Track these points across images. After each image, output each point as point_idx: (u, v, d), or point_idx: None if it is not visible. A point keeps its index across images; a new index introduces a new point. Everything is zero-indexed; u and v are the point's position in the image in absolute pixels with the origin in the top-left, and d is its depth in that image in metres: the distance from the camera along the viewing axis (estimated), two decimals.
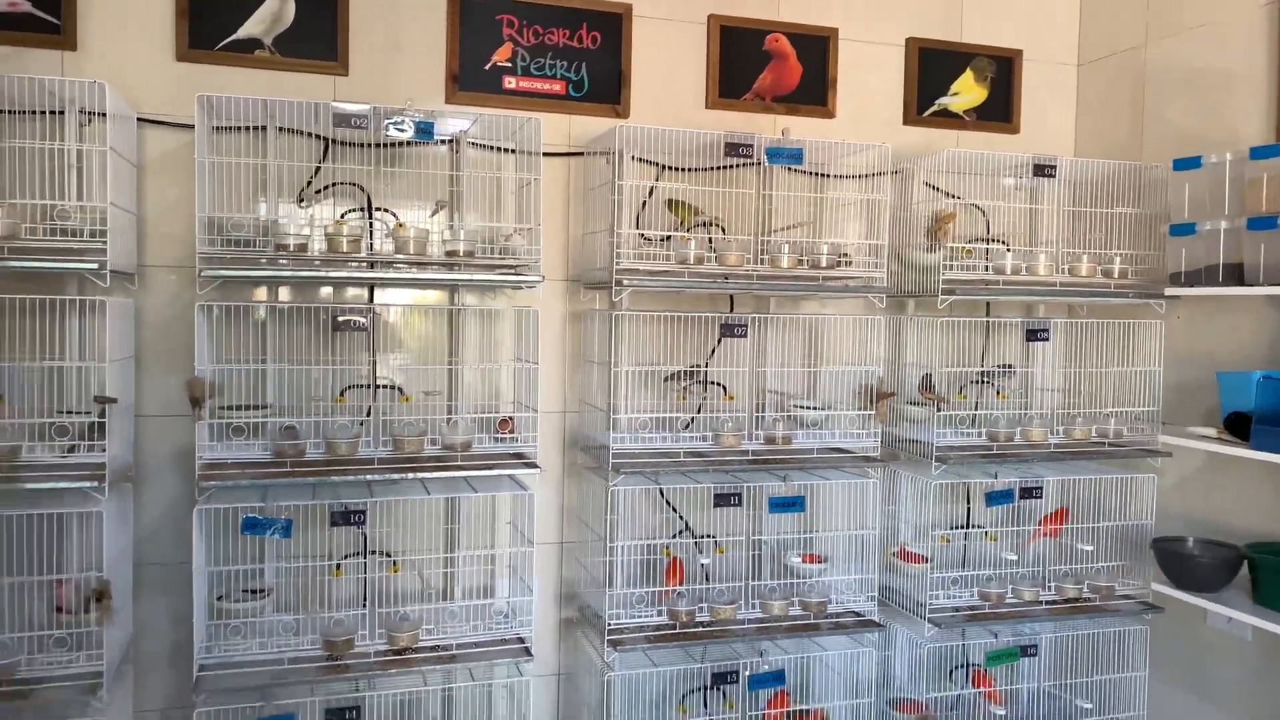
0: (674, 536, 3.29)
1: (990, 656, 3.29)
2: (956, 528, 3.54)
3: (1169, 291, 3.09)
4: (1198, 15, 3.26)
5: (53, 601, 2.64)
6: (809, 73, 3.48)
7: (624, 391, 3.06)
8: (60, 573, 2.64)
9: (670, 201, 3.20)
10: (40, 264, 2.41)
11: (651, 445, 3.03)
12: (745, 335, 3.04)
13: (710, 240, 3.20)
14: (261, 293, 2.94)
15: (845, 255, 3.12)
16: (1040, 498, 3.31)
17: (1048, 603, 3.26)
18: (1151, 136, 3.44)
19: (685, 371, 3.25)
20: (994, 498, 3.25)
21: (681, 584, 3.10)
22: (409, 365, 3.07)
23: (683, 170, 3.29)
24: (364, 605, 2.94)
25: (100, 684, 2.44)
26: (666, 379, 3.24)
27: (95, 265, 2.41)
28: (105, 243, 2.43)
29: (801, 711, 3.21)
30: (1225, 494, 3.14)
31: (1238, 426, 2.87)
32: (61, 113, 2.70)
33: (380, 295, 3.06)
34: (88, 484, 2.41)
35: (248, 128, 2.89)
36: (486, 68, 3.17)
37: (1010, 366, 3.53)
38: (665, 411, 3.16)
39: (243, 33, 2.94)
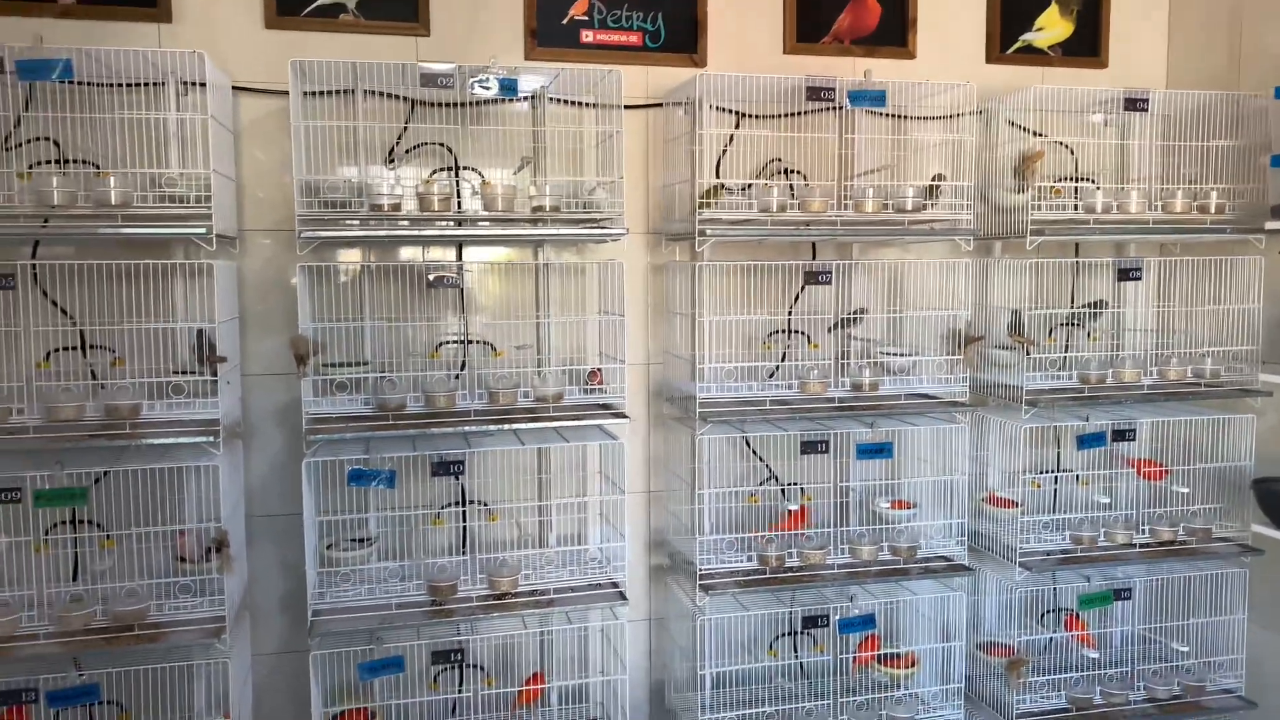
0: (761, 484, 3.33)
1: (1083, 600, 3.27)
2: (1046, 472, 3.50)
3: (1270, 226, 2.99)
4: None
5: (175, 551, 2.79)
6: (888, 13, 3.42)
7: (708, 341, 3.08)
8: (179, 524, 2.78)
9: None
10: (153, 230, 2.52)
11: (737, 394, 3.05)
12: (830, 282, 3.04)
13: (792, 188, 3.19)
14: (353, 253, 3.02)
15: (940, 177, 3.08)
16: (1134, 440, 3.26)
17: (1142, 546, 3.22)
18: (1250, 65, 3.31)
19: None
20: (1085, 441, 3.21)
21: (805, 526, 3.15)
22: (497, 320, 3.13)
23: (761, 117, 3.27)
24: (462, 553, 3.04)
25: (223, 627, 2.57)
26: (770, 335, 3.25)
27: (203, 230, 2.51)
28: (210, 208, 2.53)
29: (892, 655, 3.24)
30: None
31: None
32: (160, 84, 2.80)
33: (468, 252, 3.13)
34: (203, 438, 2.53)
35: (336, 91, 2.95)
36: (564, 22, 3.19)
37: (1102, 301, 3.45)
38: (750, 360, 3.18)
39: None
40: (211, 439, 2.53)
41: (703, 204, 2.93)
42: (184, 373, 2.79)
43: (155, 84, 2.80)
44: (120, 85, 2.77)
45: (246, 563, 3.00)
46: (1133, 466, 3.39)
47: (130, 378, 2.75)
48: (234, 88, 2.94)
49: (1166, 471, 3.33)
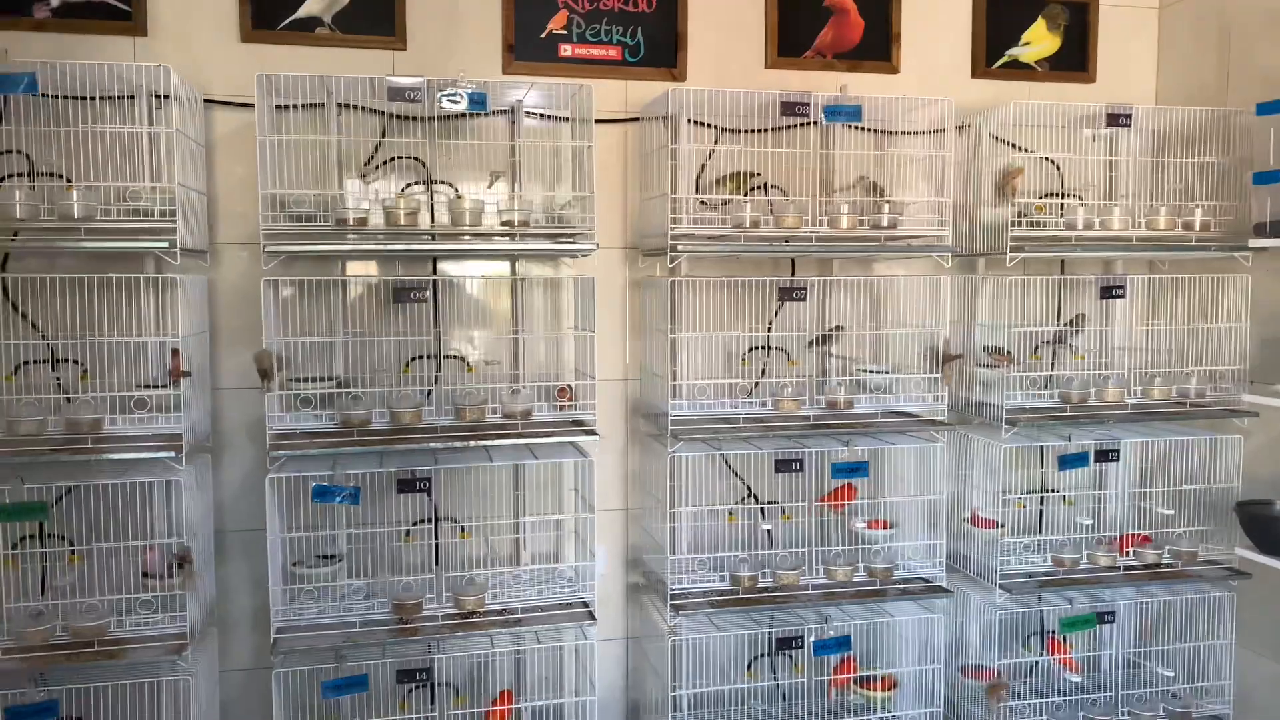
0: (739, 502, 3.29)
1: (1065, 623, 3.21)
2: (1030, 492, 3.45)
3: (1254, 243, 2.94)
4: None
5: (139, 566, 2.77)
6: (871, 27, 3.39)
7: (684, 358, 3.05)
8: (146, 539, 2.76)
9: (720, 180, 3.16)
10: (113, 244, 2.51)
11: (711, 412, 3.02)
12: (804, 299, 3.00)
13: (770, 203, 3.16)
14: (324, 267, 3.01)
15: (894, 202, 3.05)
16: (1117, 460, 3.21)
17: (1125, 568, 3.16)
18: (1238, 81, 3.26)
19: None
20: (1068, 461, 3.16)
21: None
22: (473, 335, 3.11)
23: (741, 132, 3.24)
24: (433, 570, 3.01)
25: (185, 644, 2.55)
26: (748, 351, 3.23)
27: (166, 244, 2.50)
28: (175, 222, 2.52)
29: (870, 677, 3.19)
30: None
31: None
32: (132, 97, 2.79)
33: (443, 267, 3.11)
34: (166, 454, 2.51)
35: (309, 105, 2.94)
36: (542, 36, 3.17)
37: (1082, 316, 3.40)
38: (727, 377, 3.14)
39: (303, 11, 3.00)
40: (175, 454, 2.51)
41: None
42: (153, 386, 2.78)
43: (128, 97, 2.79)
44: (91, 99, 2.76)
45: (215, 578, 2.98)
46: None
47: (99, 392, 2.74)
48: (208, 101, 2.93)
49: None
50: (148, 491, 2.77)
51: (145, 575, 2.75)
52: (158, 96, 2.77)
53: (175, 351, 2.56)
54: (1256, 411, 3.09)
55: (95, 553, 2.75)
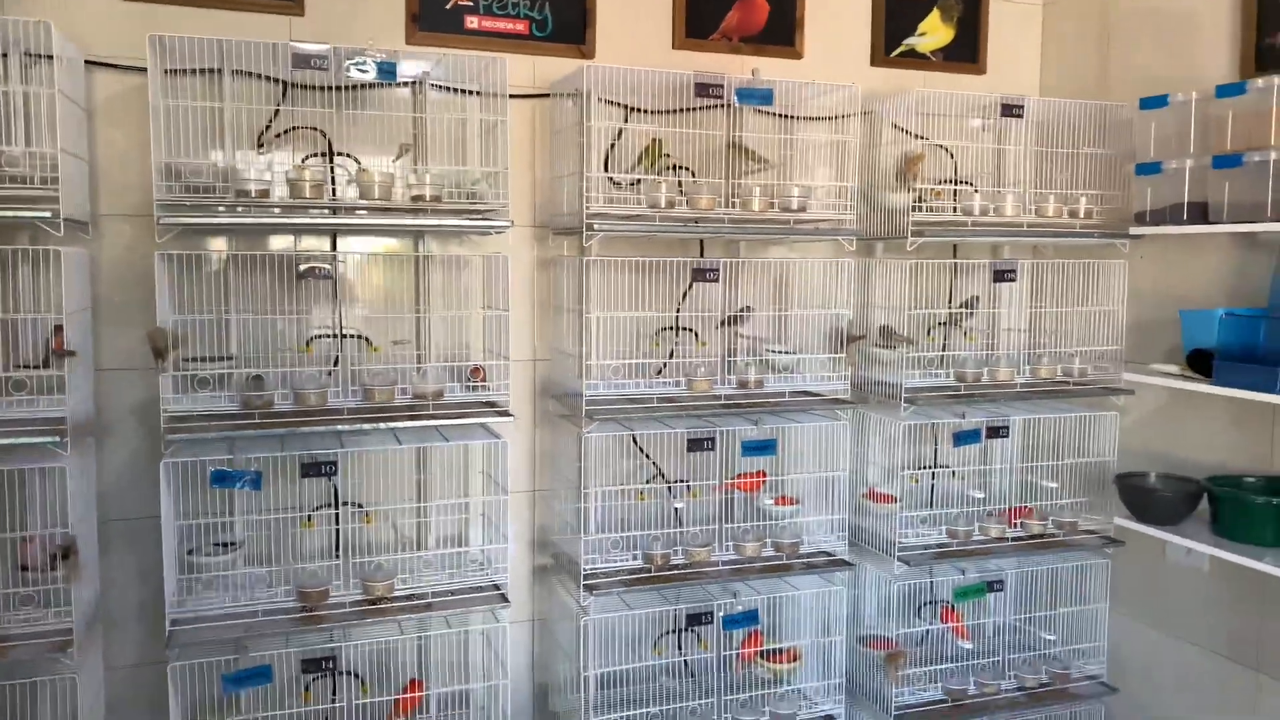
0: (647, 482, 3.30)
1: (958, 592, 3.35)
2: (924, 468, 3.58)
3: (1134, 230, 3.12)
4: None
5: (17, 559, 2.59)
6: (776, 12, 3.43)
7: (596, 338, 3.03)
8: (24, 530, 2.58)
9: (640, 156, 3.16)
10: None
11: (624, 392, 3.01)
12: (717, 279, 3.03)
13: (680, 184, 3.16)
14: (221, 241, 2.86)
15: (807, 189, 3.10)
16: (1007, 436, 3.36)
17: (1013, 539, 3.32)
18: (1117, 77, 3.45)
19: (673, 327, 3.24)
20: (961, 438, 3.29)
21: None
22: (375, 314, 3.01)
23: (650, 112, 3.23)
24: (336, 557, 2.91)
25: (70, 641, 2.40)
26: (658, 331, 3.23)
27: (48, 214, 2.32)
28: (57, 190, 2.35)
29: (775, 650, 3.26)
30: (1187, 429, 3.21)
31: (1200, 363, 2.92)
32: (4, 55, 2.58)
33: (344, 243, 3.00)
34: (49, 439, 2.35)
35: (202, 70, 2.78)
36: (447, 7, 3.09)
37: (975, 299, 3.54)
38: (637, 358, 3.14)
39: None
40: (58, 439, 2.35)
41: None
42: (32, 367, 2.59)
43: None
44: None
45: (99, 570, 2.81)
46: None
47: None
48: (88, 62, 2.74)
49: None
50: (25, 479, 2.59)
51: (24, 569, 2.58)
52: (31, 55, 2.57)
53: (58, 329, 2.39)
54: (1132, 389, 3.29)
55: None
